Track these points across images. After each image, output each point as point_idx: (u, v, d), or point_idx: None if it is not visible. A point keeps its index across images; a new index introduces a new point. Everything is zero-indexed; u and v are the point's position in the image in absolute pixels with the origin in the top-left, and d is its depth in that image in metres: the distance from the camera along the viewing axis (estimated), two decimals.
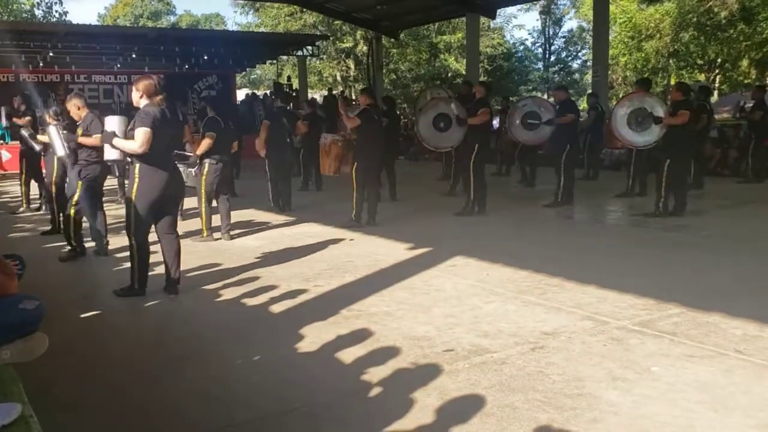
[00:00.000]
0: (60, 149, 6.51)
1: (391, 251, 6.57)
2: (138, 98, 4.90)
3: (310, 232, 7.80)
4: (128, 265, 5.28)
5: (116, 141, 4.94)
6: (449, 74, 32.34)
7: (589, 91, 16.72)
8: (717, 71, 28.95)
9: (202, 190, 7.26)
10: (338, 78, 33.24)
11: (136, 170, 4.91)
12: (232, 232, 7.50)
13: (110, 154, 5.23)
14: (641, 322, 4.20)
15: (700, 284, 5.05)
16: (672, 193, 8.02)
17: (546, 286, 5.10)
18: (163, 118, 4.84)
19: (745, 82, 27.96)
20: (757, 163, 11.17)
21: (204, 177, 7.24)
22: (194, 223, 8.05)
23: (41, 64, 18.42)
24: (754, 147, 11.22)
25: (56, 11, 36.73)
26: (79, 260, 6.59)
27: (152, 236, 5.19)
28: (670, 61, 28.05)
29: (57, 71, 18.90)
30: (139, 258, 5.11)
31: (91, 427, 3.09)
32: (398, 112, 14.40)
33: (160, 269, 5.29)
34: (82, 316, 4.78)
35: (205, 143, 7.11)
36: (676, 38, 26.53)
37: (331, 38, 29.00)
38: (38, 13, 36.81)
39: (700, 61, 28.32)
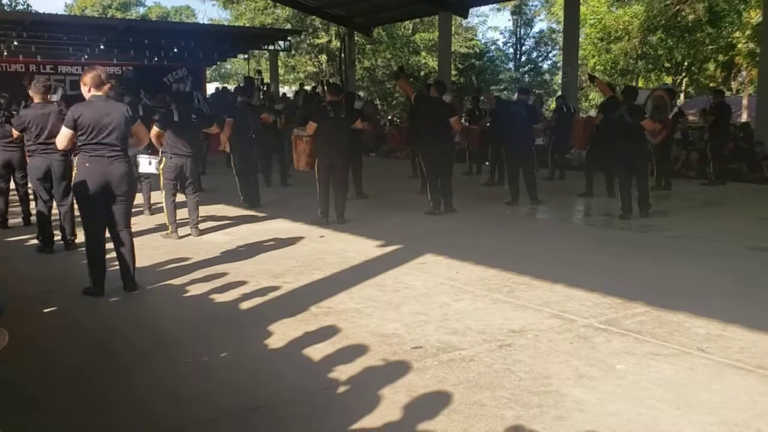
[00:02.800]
0: None
1: (361, 248, 6.56)
2: (86, 91, 4.87)
3: (280, 228, 7.76)
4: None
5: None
6: (422, 72, 32.38)
7: (559, 92, 16.91)
8: (684, 74, 29.45)
9: (161, 185, 7.19)
10: (310, 73, 33.05)
11: (74, 162, 4.96)
12: (201, 227, 7.42)
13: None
14: (607, 320, 4.25)
15: (665, 283, 5.13)
16: (626, 194, 8.14)
17: (514, 285, 5.14)
18: (97, 111, 4.79)
19: (711, 85, 28.49)
20: (718, 166, 11.40)
21: (161, 171, 7.15)
22: (160, 218, 7.96)
23: (5, 54, 17.98)
24: (712, 149, 11.47)
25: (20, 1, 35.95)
26: (45, 255, 6.47)
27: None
28: (639, 64, 28.44)
29: (22, 61, 18.46)
30: (89, 257, 5.01)
31: (52, 424, 3.03)
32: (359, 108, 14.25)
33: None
34: (45, 311, 4.69)
35: (151, 133, 7.02)
36: (644, 40, 26.91)
37: (303, 34, 28.84)
38: (4, 1, 35.99)
39: (667, 64, 28.77)
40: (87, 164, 4.80)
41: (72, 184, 4.99)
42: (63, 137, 4.85)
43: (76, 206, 6.30)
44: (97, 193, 4.83)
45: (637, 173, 8.13)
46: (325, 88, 9.05)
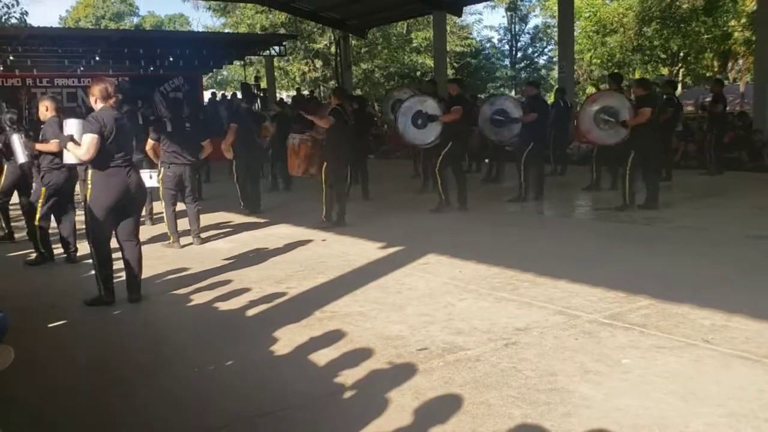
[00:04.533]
0: (21, 156, 6.52)
1: (363, 251, 6.56)
2: (94, 102, 4.88)
3: (281, 233, 7.76)
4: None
5: (70, 145, 4.85)
6: (418, 72, 32.38)
7: (556, 86, 16.85)
8: (680, 65, 29.42)
9: (161, 195, 7.20)
10: (307, 78, 33.05)
11: (89, 176, 4.91)
12: (202, 236, 7.42)
13: (68, 158, 5.08)
14: (612, 314, 4.24)
15: (668, 276, 5.12)
16: (637, 186, 8.11)
17: (518, 282, 5.13)
18: (116, 122, 4.78)
19: (708, 75, 28.46)
20: (718, 156, 11.38)
21: (160, 181, 7.15)
22: (162, 227, 7.99)
23: (1, 68, 18.04)
24: (716, 140, 11.42)
25: (15, 14, 35.84)
26: (47, 267, 6.47)
27: (114, 242, 5.11)
28: (635, 56, 28.42)
29: (18, 75, 18.50)
30: (100, 266, 5.01)
31: None
32: (370, 111, 14.43)
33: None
34: (50, 325, 4.69)
35: (146, 146, 7.03)
36: (640, 32, 26.90)
37: (298, 38, 28.84)
38: None
39: (663, 55, 28.74)
40: (106, 177, 4.78)
41: (89, 197, 4.92)
42: (89, 142, 4.68)
43: (78, 219, 6.31)
44: (112, 206, 4.84)
45: (654, 164, 8.24)
46: (334, 92, 9.03)
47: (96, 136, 4.68)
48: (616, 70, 26.23)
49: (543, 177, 9.41)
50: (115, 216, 4.91)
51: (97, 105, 4.85)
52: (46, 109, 6.43)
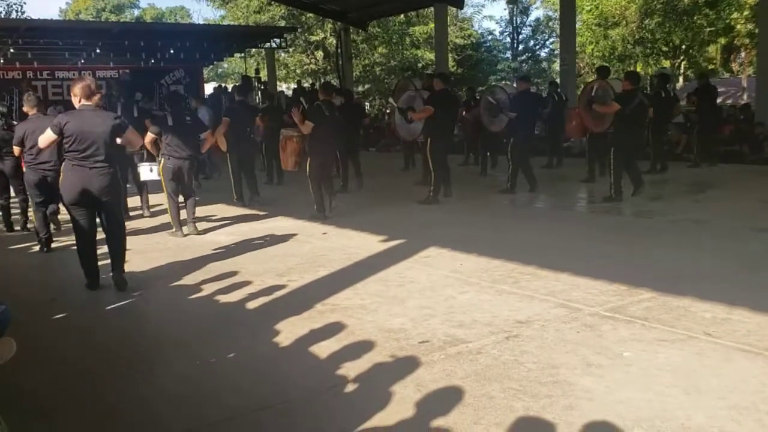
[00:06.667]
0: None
1: (364, 244, 6.56)
2: (77, 102, 4.92)
3: (282, 226, 7.75)
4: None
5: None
6: (419, 65, 32.27)
7: (558, 79, 16.83)
8: (682, 57, 29.34)
9: (163, 187, 7.25)
10: (305, 69, 32.93)
11: (62, 167, 5.09)
12: (200, 226, 7.48)
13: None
14: (613, 308, 4.24)
15: (669, 268, 5.12)
16: (621, 178, 8.26)
17: (519, 275, 5.13)
18: (84, 121, 4.82)
19: (710, 67, 28.39)
20: (705, 148, 11.38)
21: (161, 174, 7.18)
22: (160, 219, 8.04)
23: (1, 61, 18.01)
24: (699, 132, 11.45)
25: (14, 5, 35.74)
26: (48, 260, 6.48)
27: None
28: (636, 49, 28.34)
29: (18, 68, 18.47)
30: (78, 253, 5.21)
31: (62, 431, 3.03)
32: (358, 104, 14.30)
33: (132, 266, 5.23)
34: (52, 317, 4.69)
35: (146, 138, 7.05)
36: (642, 25, 26.83)
37: (299, 30, 28.74)
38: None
39: (665, 48, 28.66)
40: (69, 172, 4.91)
41: (59, 186, 5.13)
42: (45, 138, 4.92)
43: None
44: (80, 198, 4.93)
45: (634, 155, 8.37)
46: (320, 87, 9.06)
47: (53, 135, 4.86)
48: (616, 63, 26.29)
49: (530, 169, 9.42)
50: (87, 207, 5.01)
51: (80, 103, 4.90)
52: (27, 110, 6.67)
